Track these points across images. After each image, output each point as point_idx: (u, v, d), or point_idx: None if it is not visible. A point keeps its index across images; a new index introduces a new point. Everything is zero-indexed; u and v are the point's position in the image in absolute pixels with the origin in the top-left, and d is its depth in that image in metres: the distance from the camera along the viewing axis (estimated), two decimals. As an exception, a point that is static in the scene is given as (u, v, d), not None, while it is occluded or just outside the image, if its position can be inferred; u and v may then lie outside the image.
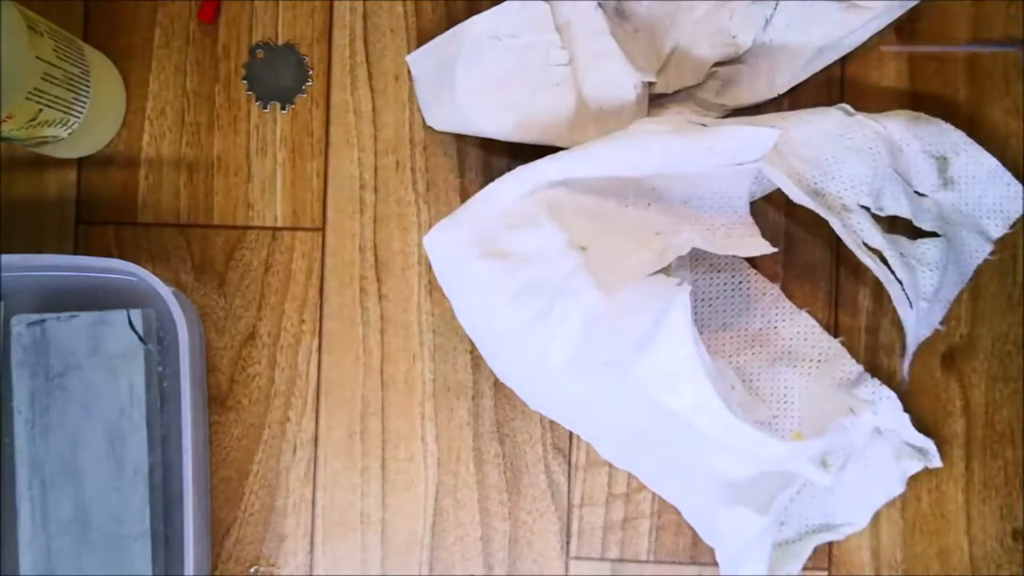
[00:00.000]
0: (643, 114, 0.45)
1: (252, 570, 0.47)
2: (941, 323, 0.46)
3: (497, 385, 0.47)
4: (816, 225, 0.48)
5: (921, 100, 0.48)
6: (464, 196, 0.48)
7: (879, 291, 0.47)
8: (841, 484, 0.45)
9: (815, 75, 0.47)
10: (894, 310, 0.45)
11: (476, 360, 0.48)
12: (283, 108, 0.48)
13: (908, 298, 0.44)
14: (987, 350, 0.47)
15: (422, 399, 0.47)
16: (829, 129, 0.43)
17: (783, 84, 0.47)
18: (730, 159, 0.41)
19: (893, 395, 0.45)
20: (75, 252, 0.48)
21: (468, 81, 0.45)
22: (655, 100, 0.46)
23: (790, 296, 0.47)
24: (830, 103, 0.48)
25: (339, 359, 0.48)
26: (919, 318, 0.44)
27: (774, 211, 0.47)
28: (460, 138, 0.48)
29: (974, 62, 0.48)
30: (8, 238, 0.47)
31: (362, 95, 0.48)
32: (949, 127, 0.44)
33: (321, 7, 0.48)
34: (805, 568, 0.45)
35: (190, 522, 0.41)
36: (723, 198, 0.43)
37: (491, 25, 0.44)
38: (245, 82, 0.48)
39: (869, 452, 0.45)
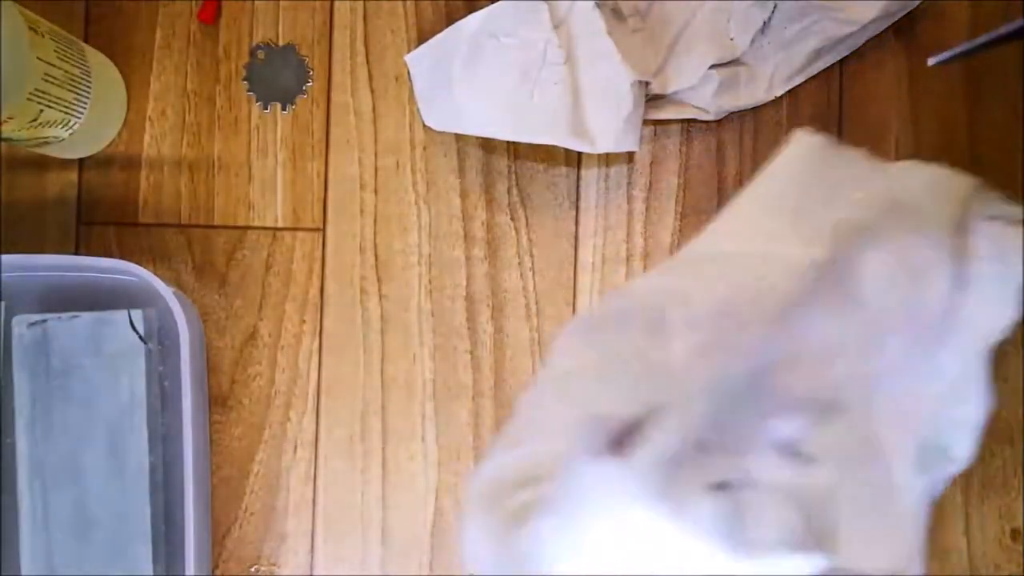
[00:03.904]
0: (640, 115, 0.45)
1: (252, 569, 0.47)
2: None
3: (497, 385, 0.47)
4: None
5: (920, 101, 0.48)
6: (464, 196, 0.48)
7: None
8: None
9: (814, 77, 0.48)
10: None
11: (476, 360, 0.48)
12: (284, 109, 0.48)
13: None
14: (986, 350, 0.47)
15: (422, 399, 0.48)
16: None
17: (781, 86, 0.47)
18: None
19: None
20: (76, 252, 0.48)
21: (465, 80, 0.45)
22: (653, 100, 0.46)
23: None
24: (828, 105, 0.48)
25: (339, 359, 0.48)
26: None
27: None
28: (460, 138, 0.48)
29: (973, 63, 0.48)
30: (9, 238, 0.48)
31: (362, 96, 0.48)
32: None
33: (321, 8, 0.49)
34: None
35: (191, 521, 0.41)
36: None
37: (488, 24, 0.44)
38: (246, 83, 0.48)
39: None
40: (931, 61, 0.40)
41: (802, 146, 0.37)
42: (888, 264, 0.34)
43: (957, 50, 0.40)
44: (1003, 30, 0.39)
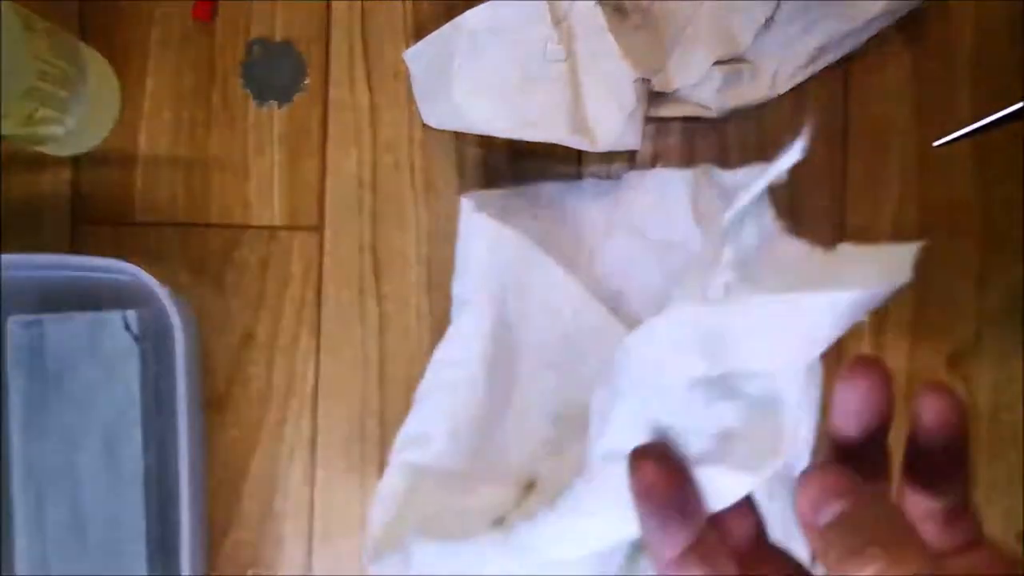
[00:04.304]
0: (642, 112, 0.44)
1: (249, 572, 0.47)
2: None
3: (497, 386, 0.47)
4: (820, 221, 0.47)
5: (924, 98, 0.48)
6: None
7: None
8: None
9: (818, 74, 0.47)
10: (897, 310, 0.44)
11: (475, 361, 0.47)
12: (281, 106, 0.48)
13: None
14: (992, 352, 0.46)
15: (421, 400, 0.47)
16: None
17: (785, 83, 0.47)
18: None
19: None
20: (71, 251, 0.47)
21: (465, 77, 0.44)
22: (655, 98, 0.46)
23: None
24: (832, 102, 0.47)
25: (337, 359, 0.47)
26: None
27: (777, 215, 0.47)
28: (459, 137, 0.47)
29: (979, 60, 0.47)
30: (3, 237, 0.47)
31: (360, 93, 0.48)
32: None
33: (319, 4, 0.48)
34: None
35: (186, 524, 0.41)
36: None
37: (488, 20, 0.44)
38: (242, 80, 0.48)
39: None
40: (936, 144, 0.45)
41: (469, 212, 0.45)
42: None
43: (961, 132, 0.42)
44: (1007, 111, 0.42)
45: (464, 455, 0.43)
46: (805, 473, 0.22)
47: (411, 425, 0.44)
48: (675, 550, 0.22)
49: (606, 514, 0.25)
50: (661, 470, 0.22)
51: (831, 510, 0.21)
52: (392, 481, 0.42)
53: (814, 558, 0.22)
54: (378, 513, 0.41)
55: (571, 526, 0.26)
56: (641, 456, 0.22)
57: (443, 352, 0.44)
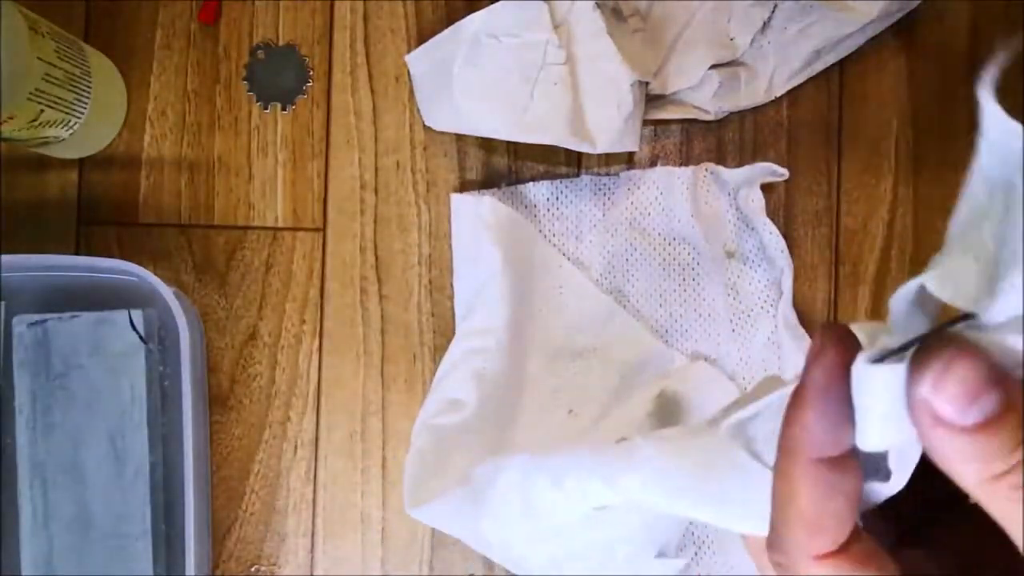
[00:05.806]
0: (640, 115, 0.45)
1: (253, 569, 0.47)
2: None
3: (497, 385, 0.47)
4: (815, 223, 0.48)
5: (920, 102, 0.48)
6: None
7: (880, 292, 0.47)
8: None
9: (814, 77, 0.48)
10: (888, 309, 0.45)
11: (476, 360, 0.48)
12: (284, 109, 0.48)
13: None
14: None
15: (422, 399, 0.47)
16: None
17: (781, 86, 0.47)
18: None
19: None
20: (76, 252, 0.48)
21: (466, 80, 0.45)
22: (653, 101, 0.46)
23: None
24: (829, 105, 0.48)
25: (340, 359, 0.48)
26: None
27: (772, 217, 0.47)
28: (460, 139, 0.48)
29: (974, 63, 0.48)
30: (9, 238, 0.48)
31: (363, 96, 0.48)
32: None
33: (322, 8, 0.49)
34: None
35: (191, 521, 0.41)
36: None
37: (488, 24, 0.44)
38: (246, 83, 0.48)
39: None
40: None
41: (460, 207, 0.47)
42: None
43: None
44: None
45: (492, 421, 0.44)
46: (924, 359, 0.16)
47: (440, 392, 0.44)
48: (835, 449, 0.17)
49: None
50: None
51: (984, 404, 0.15)
52: (424, 442, 0.43)
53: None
54: (412, 468, 0.43)
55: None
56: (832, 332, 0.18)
57: (470, 322, 0.45)
